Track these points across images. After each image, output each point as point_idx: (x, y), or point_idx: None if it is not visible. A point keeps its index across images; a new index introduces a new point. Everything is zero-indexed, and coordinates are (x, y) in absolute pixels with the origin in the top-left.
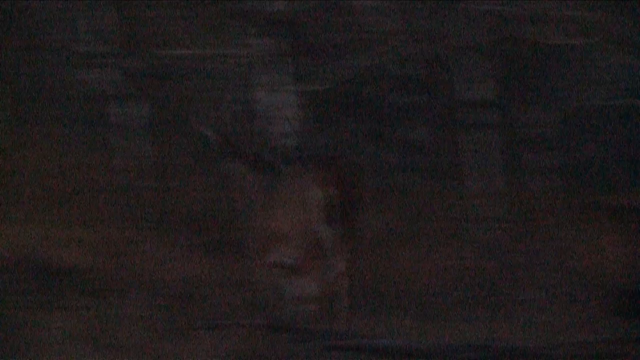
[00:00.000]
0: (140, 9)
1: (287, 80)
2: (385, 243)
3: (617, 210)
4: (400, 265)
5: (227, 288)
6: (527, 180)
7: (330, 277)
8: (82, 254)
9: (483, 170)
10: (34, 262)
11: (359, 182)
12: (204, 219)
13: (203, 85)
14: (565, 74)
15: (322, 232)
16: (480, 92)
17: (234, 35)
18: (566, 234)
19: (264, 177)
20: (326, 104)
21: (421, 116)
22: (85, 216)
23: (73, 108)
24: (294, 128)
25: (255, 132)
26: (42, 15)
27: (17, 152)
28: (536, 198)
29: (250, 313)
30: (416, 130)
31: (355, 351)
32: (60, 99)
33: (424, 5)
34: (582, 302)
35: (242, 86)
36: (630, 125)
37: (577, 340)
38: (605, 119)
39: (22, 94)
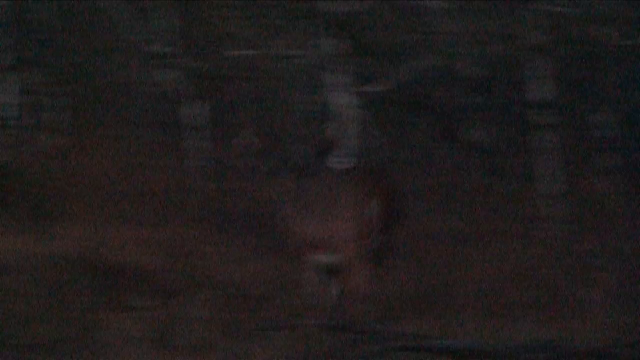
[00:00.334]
0: (205, 11)
1: (350, 81)
2: (452, 243)
3: None
4: (466, 265)
5: (290, 289)
6: (590, 181)
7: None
8: (147, 255)
9: (548, 171)
10: (99, 263)
11: (402, 192)
12: (264, 220)
13: (267, 86)
14: (628, 75)
15: (373, 241)
16: (544, 93)
17: (298, 36)
18: (628, 235)
19: (306, 183)
20: (390, 105)
21: (486, 117)
22: (149, 217)
23: (141, 108)
24: (357, 129)
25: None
26: (115, 16)
27: (83, 152)
28: (599, 199)
29: (313, 314)
30: (481, 131)
31: (419, 352)
32: (129, 100)
33: (487, 6)
34: None
35: (306, 87)
36: None
37: None
38: None
39: (91, 94)
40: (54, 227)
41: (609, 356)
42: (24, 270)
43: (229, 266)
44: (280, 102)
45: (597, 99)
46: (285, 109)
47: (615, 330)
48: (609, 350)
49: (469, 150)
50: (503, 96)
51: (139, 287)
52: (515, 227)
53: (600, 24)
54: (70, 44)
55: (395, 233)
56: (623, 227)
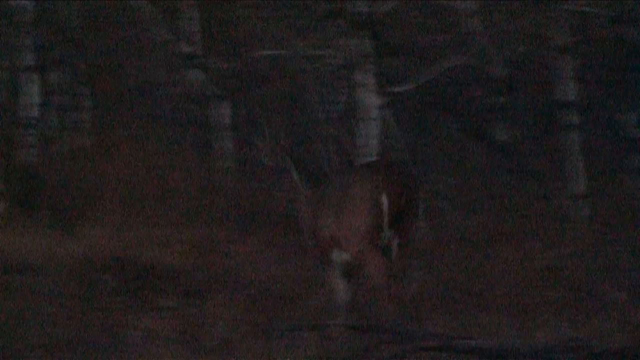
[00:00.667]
0: (232, 11)
1: (376, 81)
2: (479, 243)
3: None
4: (492, 265)
5: (315, 289)
6: (617, 181)
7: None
8: (172, 255)
9: (575, 171)
10: (124, 263)
11: (417, 190)
12: (290, 220)
13: (293, 86)
14: None
15: (388, 237)
16: (571, 93)
17: (324, 36)
18: None
19: (318, 183)
20: (417, 105)
21: (513, 117)
22: (175, 217)
23: (166, 109)
24: (380, 128)
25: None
26: (141, 17)
27: (107, 153)
28: (626, 199)
29: (338, 314)
30: (508, 131)
31: (445, 352)
32: (154, 100)
33: (514, 6)
34: None
35: (333, 87)
36: None
37: None
38: None
39: (115, 94)
40: (79, 228)
41: (636, 356)
42: (49, 270)
43: (254, 266)
44: (307, 102)
45: (623, 99)
46: (312, 109)
47: None
48: (636, 350)
49: (495, 150)
50: (530, 96)
51: (164, 287)
52: (541, 227)
53: (627, 24)
54: (93, 44)
55: (412, 227)
56: None
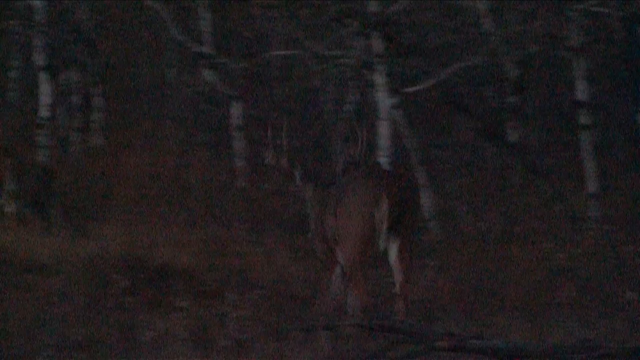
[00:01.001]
0: (247, 11)
1: (391, 81)
2: (495, 243)
3: None
4: (509, 265)
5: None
6: (634, 181)
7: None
8: (187, 255)
9: (591, 171)
10: (138, 263)
11: (418, 195)
12: (300, 219)
13: (308, 86)
14: None
15: (386, 242)
16: (587, 93)
17: (339, 36)
18: None
19: (324, 188)
20: (432, 105)
21: (529, 117)
22: (188, 217)
23: (180, 109)
24: (392, 128)
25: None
26: (156, 17)
27: (120, 152)
28: (639, 199)
29: (353, 314)
30: (524, 131)
31: (461, 352)
32: (167, 100)
33: (529, 7)
34: None
35: (348, 87)
36: None
37: None
38: None
39: (127, 94)
40: (92, 228)
41: None
42: (62, 270)
43: (268, 266)
44: (319, 102)
45: (637, 99)
46: (324, 109)
47: None
48: None
49: (508, 150)
50: (546, 96)
51: (178, 288)
52: (554, 227)
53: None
54: (106, 44)
55: (411, 231)
56: None
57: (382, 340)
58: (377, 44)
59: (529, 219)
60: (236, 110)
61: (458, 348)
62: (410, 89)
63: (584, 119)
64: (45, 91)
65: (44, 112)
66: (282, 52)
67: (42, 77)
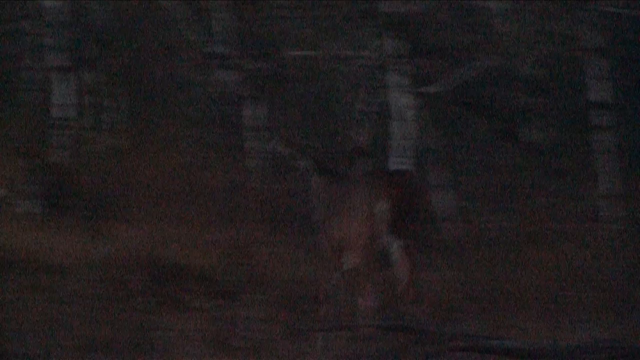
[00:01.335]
0: (265, 11)
1: (409, 81)
2: (510, 243)
3: None
4: (525, 265)
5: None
6: None
7: (395, 286)
8: (205, 256)
9: (607, 172)
10: (157, 264)
11: (423, 195)
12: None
13: (326, 87)
14: None
15: (387, 242)
16: (603, 94)
17: (357, 37)
18: None
19: (330, 183)
20: (449, 106)
21: (545, 118)
22: (207, 217)
23: (200, 109)
24: (415, 129)
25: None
26: (174, 17)
27: (141, 153)
28: None
29: (371, 314)
30: (540, 132)
31: (477, 352)
32: (187, 100)
33: (546, 7)
34: None
35: (366, 87)
36: None
37: None
38: None
39: (149, 95)
40: (111, 228)
41: None
42: (81, 271)
43: (287, 267)
44: (339, 102)
45: None
46: (344, 110)
47: None
48: None
49: (528, 151)
50: (562, 97)
51: (196, 288)
52: (574, 228)
53: None
54: (128, 44)
55: (417, 232)
56: None
57: (400, 341)
58: (395, 44)
59: (547, 219)
60: (256, 111)
61: (476, 348)
62: (428, 90)
63: (597, 119)
64: (62, 91)
65: (61, 112)
66: (299, 53)
67: (59, 77)
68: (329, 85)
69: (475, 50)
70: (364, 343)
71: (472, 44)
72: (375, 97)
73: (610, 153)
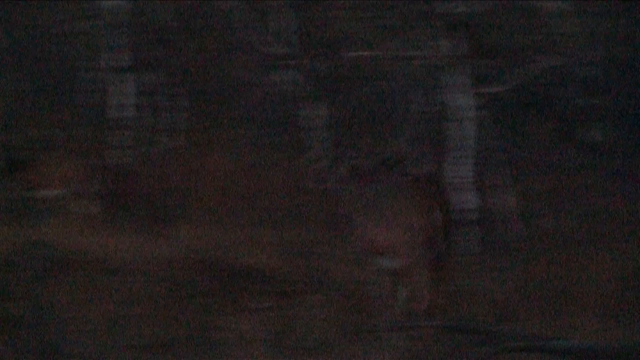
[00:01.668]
0: (324, 12)
1: (468, 82)
2: (570, 243)
3: None
4: (584, 266)
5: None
6: None
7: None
8: (264, 256)
9: None
10: (216, 264)
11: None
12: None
13: (385, 87)
14: None
15: (432, 245)
16: None
17: (416, 37)
18: None
19: (374, 190)
20: (508, 106)
21: (605, 118)
22: (267, 217)
23: (259, 109)
24: (474, 129)
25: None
26: (234, 17)
27: (201, 153)
28: None
29: (430, 315)
30: (600, 132)
31: (537, 352)
32: (246, 100)
33: (605, 7)
34: None
35: (425, 88)
36: None
37: None
38: None
39: (208, 95)
40: (172, 229)
41: None
42: (142, 271)
43: (347, 267)
44: (398, 103)
45: None
46: (400, 111)
47: None
48: None
49: (587, 151)
50: (622, 97)
51: (257, 289)
52: (633, 228)
53: None
54: (187, 44)
55: (450, 239)
56: None
57: (460, 341)
58: (458, 45)
59: (609, 219)
60: (316, 111)
61: (534, 349)
62: (488, 90)
63: None
64: (126, 92)
65: (124, 113)
66: (361, 53)
67: (118, 77)
68: (387, 86)
69: (535, 51)
70: (424, 343)
71: (532, 44)
72: (434, 97)
73: None
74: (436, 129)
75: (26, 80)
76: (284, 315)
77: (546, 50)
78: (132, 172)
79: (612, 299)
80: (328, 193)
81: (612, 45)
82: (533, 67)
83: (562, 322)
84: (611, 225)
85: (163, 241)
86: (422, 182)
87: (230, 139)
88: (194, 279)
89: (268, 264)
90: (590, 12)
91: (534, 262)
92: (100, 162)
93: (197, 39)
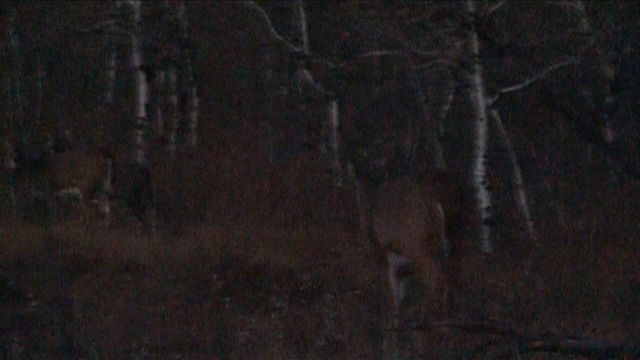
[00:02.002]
0: (337, 11)
1: (482, 81)
2: (591, 242)
3: None
4: (604, 265)
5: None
6: None
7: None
8: (283, 256)
9: None
10: (235, 264)
11: (468, 200)
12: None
13: (405, 86)
14: None
15: (442, 243)
16: None
17: (436, 36)
18: None
19: (373, 188)
20: (528, 105)
21: (624, 117)
22: (285, 217)
23: (277, 109)
24: (487, 129)
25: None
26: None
27: (217, 152)
28: None
29: (445, 314)
30: (619, 131)
31: (554, 351)
32: (264, 99)
33: (617, 6)
34: None
35: (445, 87)
36: None
37: None
38: None
39: (223, 94)
40: (188, 228)
41: None
42: (158, 270)
43: (366, 267)
44: (411, 102)
45: None
46: (423, 109)
47: None
48: None
49: (608, 150)
50: (635, 97)
51: (275, 288)
52: None
53: None
54: (203, 44)
55: (464, 235)
56: None
57: (478, 341)
58: (475, 44)
59: (626, 218)
60: (333, 110)
61: (553, 348)
62: (508, 89)
63: None
64: (142, 91)
65: (141, 112)
66: (380, 52)
67: (139, 77)
68: (399, 85)
69: (556, 50)
70: (444, 342)
71: (553, 44)
72: (446, 96)
73: None
74: (449, 127)
75: (40, 80)
76: (300, 314)
77: (562, 50)
78: (149, 172)
79: (628, 298)
80: (341, 192)
81: (626, 46)
82: (548, 66)
83: (581, 321)
84: (627, 224)
85: (180, 241)
86: (432, 180)
87: (245, 138)
88: (211, 279)
89: (286, 263)
90: (606, 12)
91: (549, 261)
92: (123, 161)
93: (210, 38)
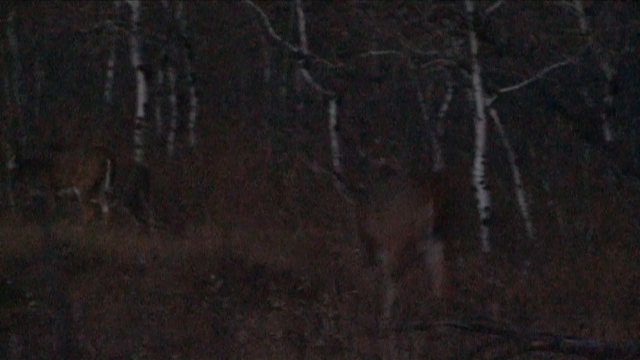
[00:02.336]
0: (337, 11)
1: (481, 80)
2: (590, 242)
3: None
4: (604, 265)
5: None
6: None
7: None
8: (281, 255)
9: None
10: (234, 263)
11: (459, 199)
12: None
13: (404, 86)
14: None
15: (428, 244)
16: None
17: (435, 36)
18: None
19: (362, 200)
20: (527, 105)
21: (623, 117)
22: (283, 217)
23: (276, 108)
24: (487, 128)
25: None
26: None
27: (216, 152)
28: None
29: (449, 313)
30: (617, 131)
31: (554, 351)
32: (264, 99)
33: (616, 6)
34: None
35: (444, 86)
36: None
37: None
38: None
39: (221, 94)
40: (188, 228)
41: None
42: (157, 270)
43: (359, 266)
44: (418, 101)
45: None
46: (422, 108)
47: None
48: None
49: (607, 150)
50: (635, 96)
51: (274, 287)
52: None
53: None
54: (202, 43)
55: (455, 235)
56: None
57: (477, 340)
58: (473, 44)
59: (625, 219)
60: (332, 110)
61: (553, 348)
62: (506, 89)
63: None
64: (141, 91)
65: (140, 112)
66: (379, 52)
67: (138, 77)
68: (410, 85)
69: (555, 50)
70: (443, 342)
71: (552, 44)
72: (446, 96)
73: None
74: (448, 127)
75: (39, 80)
76: (299, 313)
77: (561, 50)
78: (148, 172)
79: (627, 298)
80: (338, 193)
81: (625, 45)
82: (548, 66)
83: (581, 321)
84: (626, 225)
85: (180, 240)
86: (423, 181)
87: (245, 137)
88: (211, 278)
89: (285, 262)
90: (605, 12)
91: (548, 261)
92: (123, 161)
93: (209, 38)
